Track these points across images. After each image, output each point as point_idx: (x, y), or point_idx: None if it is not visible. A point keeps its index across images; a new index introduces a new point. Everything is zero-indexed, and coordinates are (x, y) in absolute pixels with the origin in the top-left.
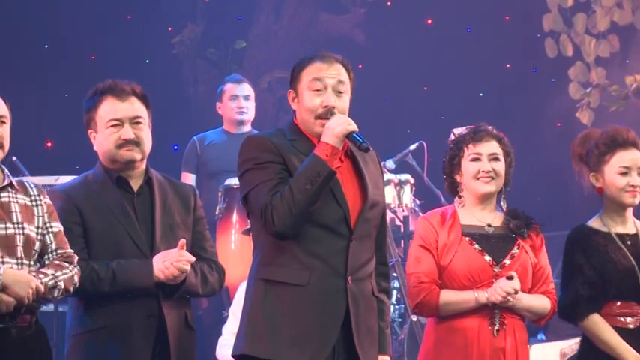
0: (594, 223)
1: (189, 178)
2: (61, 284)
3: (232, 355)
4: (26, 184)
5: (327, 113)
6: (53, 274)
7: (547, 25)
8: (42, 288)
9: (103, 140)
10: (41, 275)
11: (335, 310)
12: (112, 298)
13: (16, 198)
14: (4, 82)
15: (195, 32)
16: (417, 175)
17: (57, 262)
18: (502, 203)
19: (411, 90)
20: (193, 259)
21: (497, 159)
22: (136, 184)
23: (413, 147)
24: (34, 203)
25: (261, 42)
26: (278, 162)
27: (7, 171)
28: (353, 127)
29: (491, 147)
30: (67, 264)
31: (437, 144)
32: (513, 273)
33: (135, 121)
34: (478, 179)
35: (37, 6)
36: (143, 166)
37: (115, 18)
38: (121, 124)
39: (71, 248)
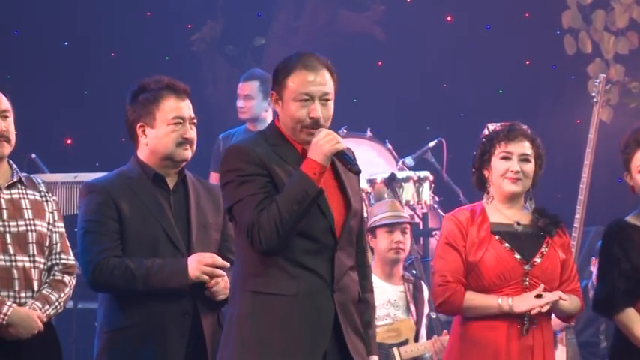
0: (632, 218)
1: (216, 178)
2: (61, 308)
3: None
4: (34, 179)
5: (314, 124)
6: (57, 299)
7: (566, 22)
8: (42, 327)
9: (161, 136)
10: (46, 307)
11: (324, 319)
12: (146, 295)
13: (26, 194)
14: (24, 79)
15: (214, 29)
16: (436, 172)
17: (59, 276)
18: (528, 204)
19: (431, 87)
20: (227, 265)
21: (527, 160)
22: (171, 182)
23: (432, 144)
24: (44, 198)
25: (281, 39)
26: (262, 174)
27: (15, 166)
28: (341, 145)
29: (523, 147)
30: (67, 278)
31: (456, 141)
32: (542, 292)
33: (192, 122)
34: (505, 178)
35: (57, 3)
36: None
37: (134, 15)
38: (183, 122)
39: (106, 243)
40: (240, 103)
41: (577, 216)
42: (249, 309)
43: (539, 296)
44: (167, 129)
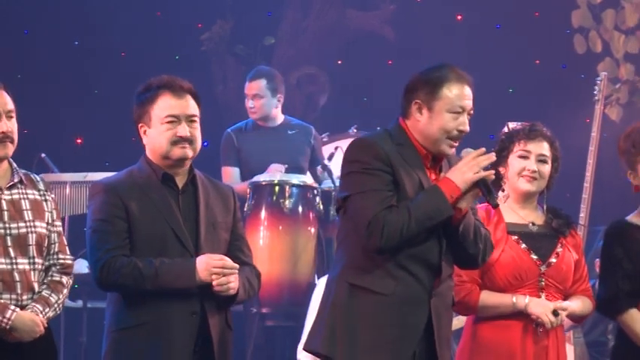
0: (634, 218)
1: (231, 172)
2: (59, 310)
3: (305, 349)
4: (33, 177)
5: (459, 136)
6: (56, 301)
7: (576, 21)
8: (43, 331)
9: (156, 135)
10: (47, 309)
11: (416, 323)
12: (154, 295)
13: (26, 193)
14: (34, 78)
15: (224, 28)
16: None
17: (57, 277)
18: (543, 206)
19: None
20: (237, 266)
21: (545, 161)
22: (180, 182)
23: None
24: (43, 197)
25: (290, 38)
26: (387, 171)
27: (14, 165)
28: (482, 174)
29: (542, 148)
30: (65, 279)
31: (466, 139)
32: (560, 312)
33: (190, 119)
34: (521, 176)
35: (67, 2)
36: (189, 163)
37: (145, 14)
38: (177, 120)
39: (114, 242)
40: (249, 103)
41: (581, 214)
42: (345, 300)
43: (555, 313)
44: (161, 128)
